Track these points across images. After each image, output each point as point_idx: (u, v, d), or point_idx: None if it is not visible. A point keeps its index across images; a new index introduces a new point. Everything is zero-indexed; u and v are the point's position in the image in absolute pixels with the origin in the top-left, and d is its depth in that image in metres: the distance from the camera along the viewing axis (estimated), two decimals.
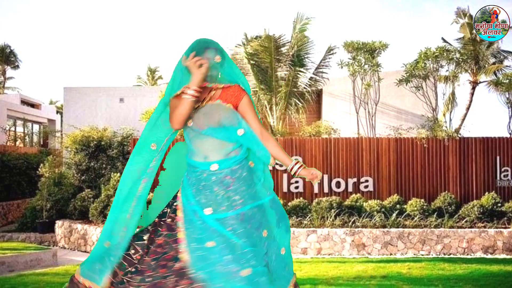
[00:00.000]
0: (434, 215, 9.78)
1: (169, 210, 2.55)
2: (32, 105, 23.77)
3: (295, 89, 12.82)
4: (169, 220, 2.49)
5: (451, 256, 9.02)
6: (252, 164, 2.67)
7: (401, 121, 13.58)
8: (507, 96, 12.44)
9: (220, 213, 2.45)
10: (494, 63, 13.62)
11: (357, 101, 12.47)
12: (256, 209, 2.53)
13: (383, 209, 9.90)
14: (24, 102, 23.23)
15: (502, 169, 10.88)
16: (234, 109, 2.58)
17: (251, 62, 12.75)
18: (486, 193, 10.40)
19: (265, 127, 2.68)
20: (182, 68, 2.56)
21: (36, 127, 23.41)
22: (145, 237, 2.54)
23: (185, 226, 2.44)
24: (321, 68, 13.38)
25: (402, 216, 9.80)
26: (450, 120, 12.19)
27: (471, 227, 9.56)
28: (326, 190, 10.72)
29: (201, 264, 2.35)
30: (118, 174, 10.90)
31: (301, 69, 12.90)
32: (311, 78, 13.20)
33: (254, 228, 2.47)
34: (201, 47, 2.55)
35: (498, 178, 10.85)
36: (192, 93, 2.44)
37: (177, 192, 2.62)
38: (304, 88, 12.95)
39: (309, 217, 9.74)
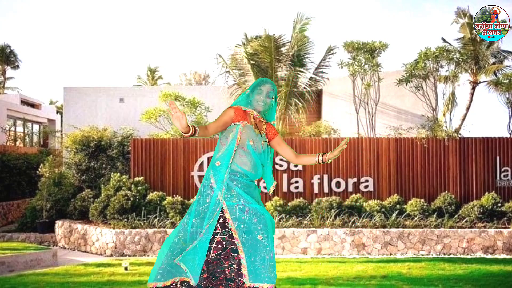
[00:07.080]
0: (434, 215, 9.78)
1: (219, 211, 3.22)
2: (32, 105, 23.77)
3: (295, 89, 12.81)
4: (221, 219, 3.18)
5: (451, 256, 9.02)
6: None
7: (401, 121, 13.57)
8: (507, 96, 12.43)
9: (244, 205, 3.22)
10: (494, 63, 13.62)
11: (357, 101, 12.46)
12: (255, 210, 3.24)
13: (383, 209, 9.90)
14: (24, 102, 23.23)
15: (502, 169, 10.88)
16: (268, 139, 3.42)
17: (251, 62, 12.74)
18: (486, 193, 10.40)
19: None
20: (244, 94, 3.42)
21: (36, 127, 23.40)
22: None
23: (236, 224, 3.16)
24: (321, 68, 13.36)
25: (402, 216, 9.80)
26: (450, 120, 12.19)
27: (471, 227, 9.56)
28: (326, 190, 10.71)
29: (250, 251, 3.13)
30: (118, 174, 10.89)
31: (301, 69, 12.89)
32: (311, 78, 13.19)
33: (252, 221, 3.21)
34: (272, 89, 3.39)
35: (498, 178, 10.85)
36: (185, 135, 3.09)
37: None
38: (304, 88, 12.93)
39: (309, 217, 9.75)
